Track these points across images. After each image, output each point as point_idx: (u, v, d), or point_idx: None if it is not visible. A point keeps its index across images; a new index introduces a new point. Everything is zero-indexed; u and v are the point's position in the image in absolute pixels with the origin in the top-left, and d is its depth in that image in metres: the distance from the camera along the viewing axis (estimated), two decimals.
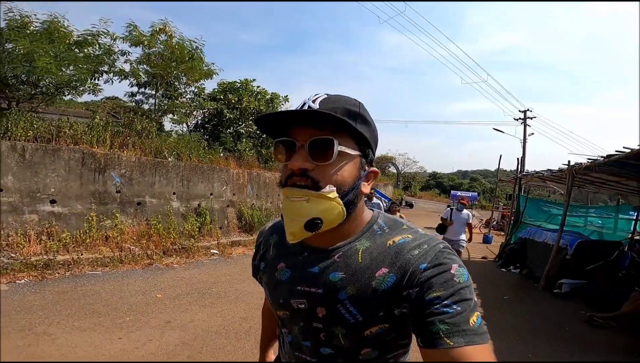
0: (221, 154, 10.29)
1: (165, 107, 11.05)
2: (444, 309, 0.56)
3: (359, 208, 0.70)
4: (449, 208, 6.25)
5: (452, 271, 0.60)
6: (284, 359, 0.84)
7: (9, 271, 4.43)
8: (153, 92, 10.86)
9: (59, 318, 3.39)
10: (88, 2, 35.65)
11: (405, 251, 0.65)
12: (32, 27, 7.20)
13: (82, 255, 5.19)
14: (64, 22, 7.49)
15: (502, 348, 3.53)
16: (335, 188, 0.63)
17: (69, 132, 6.05)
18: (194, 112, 12.49)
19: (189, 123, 12.40)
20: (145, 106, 11.16)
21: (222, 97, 12.24)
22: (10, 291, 3.93)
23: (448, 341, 0.54)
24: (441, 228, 6.09)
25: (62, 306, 3.68)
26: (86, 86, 8.05)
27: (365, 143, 0.67)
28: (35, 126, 5.70)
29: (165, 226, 6.52)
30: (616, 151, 4.39)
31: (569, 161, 5.93)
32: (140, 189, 6.56)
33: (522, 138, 19.40)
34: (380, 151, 32.11)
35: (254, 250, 0.89)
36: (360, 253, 0.68)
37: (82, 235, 5.47)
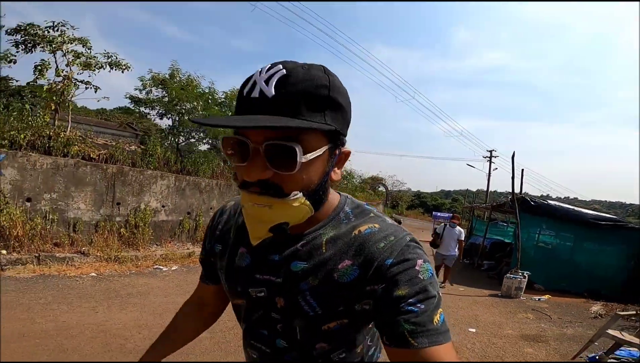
0: None
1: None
2: (409, 307, 0.56)
3: (326, 195, 0.65)
4: (442, 224, 7.16)
5: (417, 268, 0.60)
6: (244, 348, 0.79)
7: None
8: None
9: None
10: (86, 2, 39.02)
11: (370, 242, 0.62)
12: (177, 79, 11.12)
13: None
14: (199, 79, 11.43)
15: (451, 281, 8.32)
16: (300, 193, 0.57)
17: (202, 167, 10.64)
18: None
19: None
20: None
21: None
22: None
23: (412, 342, 0.55)
24: (435, 243, 6.91)
25: None
26: None
27: (336, 132, 0.58)
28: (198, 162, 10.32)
29: None
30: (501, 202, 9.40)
31: (493, 200, 10.95)
32: None
33: (487, 173, 25.03)
34: (371, 172, 36.18)
35: (205, 233, 0.81)
36: (324, 242, 0.64)
37: None
